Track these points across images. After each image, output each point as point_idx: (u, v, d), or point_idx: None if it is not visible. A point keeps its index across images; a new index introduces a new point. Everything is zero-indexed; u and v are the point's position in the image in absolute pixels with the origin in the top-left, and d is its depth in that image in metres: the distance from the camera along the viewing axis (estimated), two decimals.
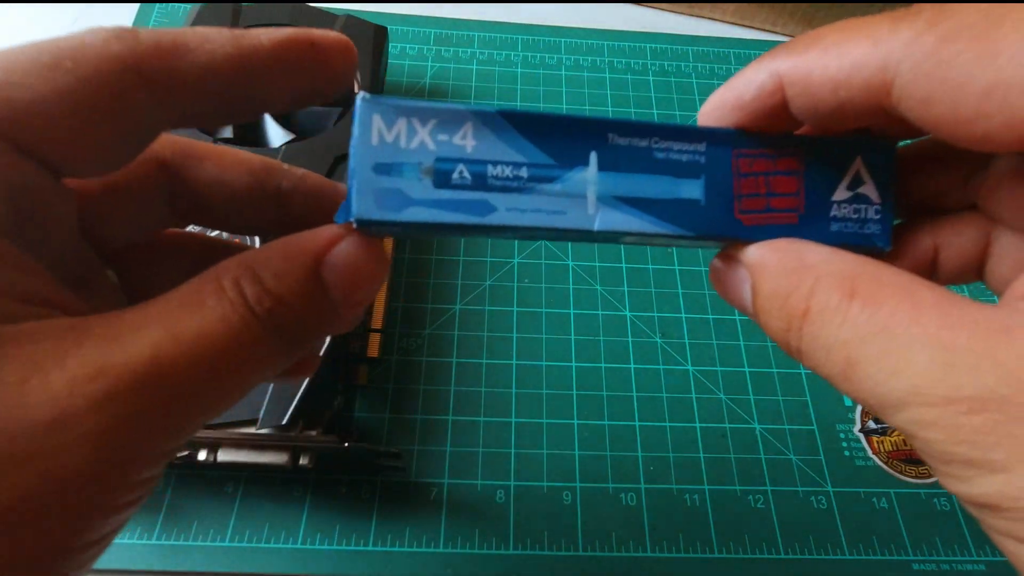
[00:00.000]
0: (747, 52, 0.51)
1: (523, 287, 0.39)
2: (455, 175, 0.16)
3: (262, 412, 0.29)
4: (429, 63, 0.48)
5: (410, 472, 0.33)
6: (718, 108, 0.17)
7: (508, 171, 0.16)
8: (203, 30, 0.15)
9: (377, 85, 0.40)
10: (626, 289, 0.40)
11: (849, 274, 0.15)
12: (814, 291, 0.15)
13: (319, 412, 0.31)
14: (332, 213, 0.17)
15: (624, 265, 0.41)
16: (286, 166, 0.20)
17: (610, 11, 0.54)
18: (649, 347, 0.38)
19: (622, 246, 0.41)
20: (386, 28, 0.42)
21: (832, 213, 0.17)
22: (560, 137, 0.16)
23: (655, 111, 0.47)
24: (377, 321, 0.36)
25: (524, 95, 0.47)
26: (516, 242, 0.40)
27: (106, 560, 0.29)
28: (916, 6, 0.14)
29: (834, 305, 0.14)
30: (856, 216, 0.17)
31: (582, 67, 0.49)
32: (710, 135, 0.17)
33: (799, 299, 0.15)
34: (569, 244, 0.41)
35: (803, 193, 0.17)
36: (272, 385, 0.29)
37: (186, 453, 0.29)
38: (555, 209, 0.16)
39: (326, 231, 0.16)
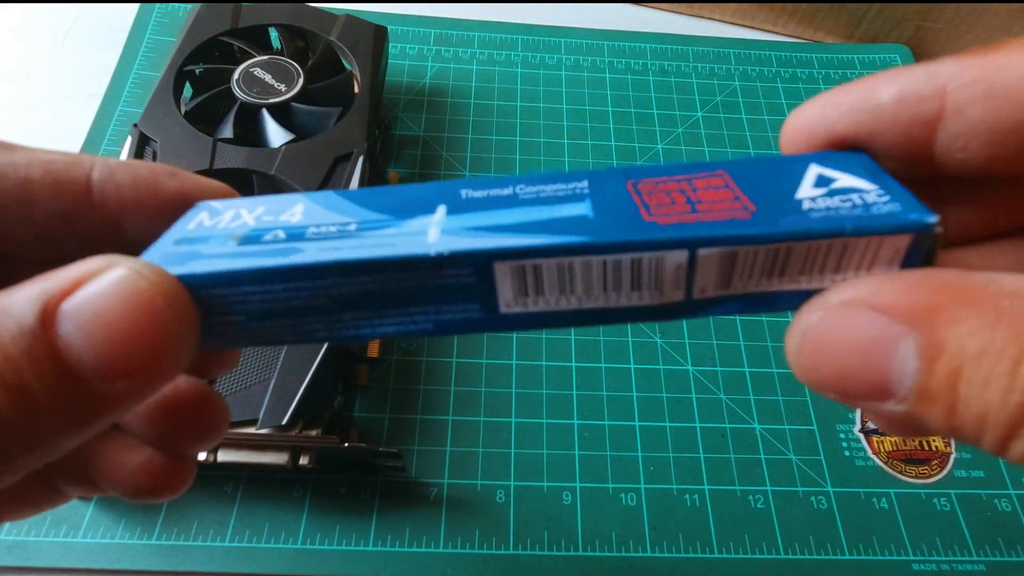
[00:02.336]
0: (747, 52, 0.51)
1: None
2: (267, 236, 0.13)
3: (262, 412, 0.29)
4: (429, 63, 0.48)
5: (410, 472, 0.33)
6: (832, 107, 0.14)
7: (333, 228, 0.13)
8: None
9: (377, 85, 0.40)
10: None
11: None
12: None
13: (319, 412, 0.31)
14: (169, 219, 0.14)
15: None
16: (107, 161, 0.15)
17: (610, 11, 0.54)
18: (649, 347, 0.38)
19: None
20: (386, 28, 0.42)
21: (805, 207, 0.13)
22: (402, 199, 0.14)
23: (655, 111, 0.47)
24: None
25: (524, 95, 0.47)
26: None
27: (106, 560, 0.29)
28: None
29: None
30: (849, 204, 0.13)
31: (582, 67, 0.49)
32: (591, 174, 0.14)
33: None
34: None
35: (744, 197, 0.13)
36: (272, 385, 0.29)
37: None
38: (379, 243, 0.13)
39: (81, 265, 0.11)
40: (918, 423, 0.11)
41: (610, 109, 0.47)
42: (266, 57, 0.38)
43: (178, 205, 0.15)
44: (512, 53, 0.49)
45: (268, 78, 0.37)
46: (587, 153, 0.45)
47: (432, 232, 0.13)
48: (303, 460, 0.29)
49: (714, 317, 0.39)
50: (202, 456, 0.29)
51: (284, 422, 0.29)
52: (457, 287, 0.13)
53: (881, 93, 0.13)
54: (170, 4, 0.49)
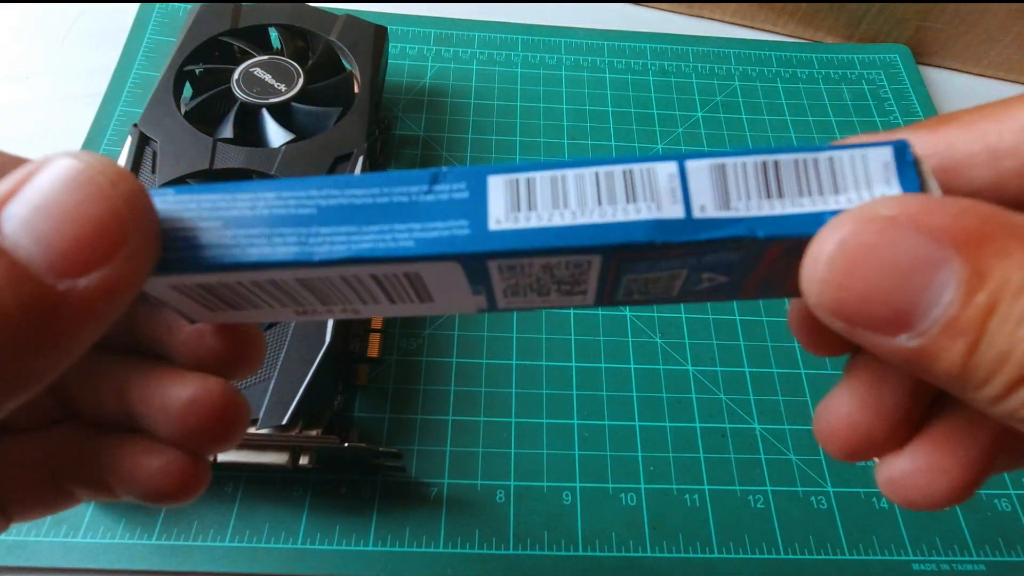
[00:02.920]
0: (747, 52, 0.51)
1: None
2: None
3: (262, 412, 0.29)
4: (429, 63, 0.48)
5: (410, 472, 0.33)
6: None
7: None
8: None
9: (377, 85, 0.40)
10: None
11: None
12: None
13: (319, 412, 0.31)
14: None
15: None
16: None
17: (610, 11, 0.54)
18: (649, 347, 0.38)
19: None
20: (386, 28, 0.42)
21: None
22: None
23: (655, 111, 0.47)
24: (377, 321, 0.36)
25: (524, 95, 0.47)
26: None
27: (106, 560, 0.29)
28: None
29: None
30: None
31: (582, 67, 0.49)
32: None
33: None
34: None
35: None
36: (272, 385, 0.29)
37: None
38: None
39: (24, 167, 0.11)
40: (925, 362, 0.10)
41: (610, 109, 0.47)
42: (266, 57, 0.38)
43: None
44: (512, 53, 0.49)
45: (268, 78, 0.37)
46: (587, 153, 0.45)
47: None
48: (303, 460, 0.29)
49: (714, 317, 0.39)
50: None
51: (284, 422, 0.29)
52: (448, 203, 0.13)
53: None
54: (170, 4, 0.49)
